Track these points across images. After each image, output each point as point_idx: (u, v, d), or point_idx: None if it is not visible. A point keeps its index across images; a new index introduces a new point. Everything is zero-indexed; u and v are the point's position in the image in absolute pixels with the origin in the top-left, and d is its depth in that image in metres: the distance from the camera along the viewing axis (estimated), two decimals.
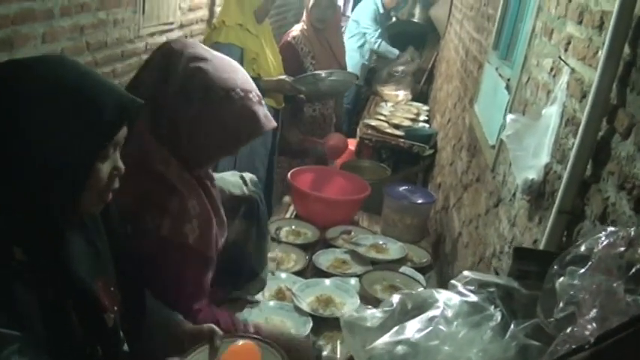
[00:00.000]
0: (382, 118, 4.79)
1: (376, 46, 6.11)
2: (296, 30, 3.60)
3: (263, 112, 1.46)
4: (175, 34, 3.83)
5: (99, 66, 2.89)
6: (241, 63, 2.43)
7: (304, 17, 3.63)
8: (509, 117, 1.66)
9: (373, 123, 4.59)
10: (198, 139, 1.42)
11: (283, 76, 3.23)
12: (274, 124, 1.50)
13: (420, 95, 6.08)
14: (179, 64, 1.41)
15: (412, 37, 6.78)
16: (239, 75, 1.46)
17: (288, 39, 3.57)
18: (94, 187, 0.98)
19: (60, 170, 0.90)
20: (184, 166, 1.45)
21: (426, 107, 5.45)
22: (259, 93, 1.49)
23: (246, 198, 1.75)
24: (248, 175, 1.81)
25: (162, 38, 3.64)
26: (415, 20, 7.04)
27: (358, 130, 4.71)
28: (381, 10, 6.12)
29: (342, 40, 3.92)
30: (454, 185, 3.16)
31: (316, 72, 3.38)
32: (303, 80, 3.30)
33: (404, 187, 2.99)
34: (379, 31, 6.08)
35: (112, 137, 0.98)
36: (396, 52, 6.20)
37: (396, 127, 4.57)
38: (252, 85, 1.47)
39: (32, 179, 0.89)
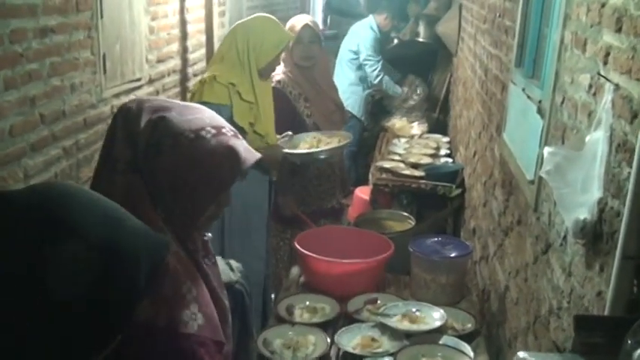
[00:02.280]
0: (397, 157, 4.81)
1: (377, 81, 6.20)
2: (278, 73, 3.64)
3: (242, 145, 1.52)
4: (145, 92, 3.89)
5: (58, 140, 2.91)
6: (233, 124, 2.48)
7: (283, 57, 3.68)
8: (547, 150, 1.65)
9: (387, 165, 4.61)
10: (179, 191, 1.46)
11: (278, 141, 3.29)
12: (257, 155, 1.55)
13: (438, 125, 6.12)
14: (141, 120, 1.48)
15: (418, 60, 6.87)
16: (206, 114, 1.54)
17: (272, 84, 3.61)
18: None
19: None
20: (177, 237, 1.48)
21: (446, 139, 5.48)
22: (233, 128, 1.55)
23: (230, 286, 1.75)
24: (235, 264, 1.81)
25: (130, 98, 3.68)
26: (421, 40, 7.15)
27: (370, 175, 4.72)
28: (378, 35, 6.24)
29: (332, 77, 4.00)
30: (492, 230, 3.13)
31: (312, 150, 3.39)
32: (297, 155, 3.39)
33: (433, 239, 2.97)
34: (381, 62, 6.17)
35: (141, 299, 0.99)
36: (399, 90, 6.30)
37: (415, 166, 4.58)
38: (223, 122, 1.54)
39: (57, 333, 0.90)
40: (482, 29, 4.15)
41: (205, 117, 1.52)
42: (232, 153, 1.48)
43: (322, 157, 3.42)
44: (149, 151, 1.45)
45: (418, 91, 6.40)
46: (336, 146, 3.45)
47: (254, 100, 3.14)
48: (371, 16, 6.35)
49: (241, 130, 3.09)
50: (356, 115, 6.11)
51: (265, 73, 3.22)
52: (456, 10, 6.02)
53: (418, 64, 6.85)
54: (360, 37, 6.22)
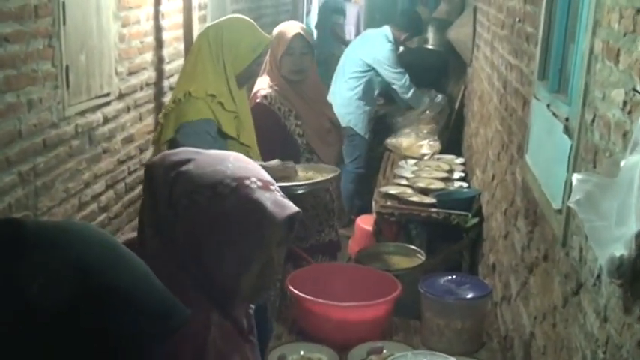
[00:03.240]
0: (404, 182, 4.81)
1: (410, 94, 6.31)
2: (264, 88, 3.64)
3: (271, 198, 1.49)
4: (114, 108, 3.90)
5: (13, 164, 2.90)
6: None
7: (269, 69, 3.68)
8: (575, 177, 1.64)
9: (393, 191, 4.61)
10: (205, 261, 1.47)
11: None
12: (291, 209, 1.52)
13: (450, 144, 6.13)
14: (159, 179, 1.49)
15: (428, 70, 6.91)
16: (228, 163, 1.51)
17: (258, 100, 3.61)
18: None
19: None
20: (222, 310, 1.50)
21: (459, 160, 5.50)
22: (265, 177, 1.53)
23: None
24: None
25: (97, 116, 3.70)
26: (430, 47, 7.19)
27: (374, 203, 4.71)
28: (394, 46, 6.31)
29: (325, 91, 4.04)
30: (514, 266, 3.12)
31: (289, 185, 3.22)
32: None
33: (446, 278, 2.95)
34: (407, 78, 6.27)
35: None
36: (427, 99, 6.38)
37: (425, 192, 4.58)
38: (249, 171, 1.52)
39: None
40: (500, 36, 4.17)
41: (227, 167, 1.49)
42: (257, 210, 1.46)
43: (300, 191, 3.33)
44: (168, 215, 1.46)
45: (437, 100, 6.43)
46: (318, 180, 3.37)
47: (236, 110, 3.17)
48: (387, 27, 6.38)
49: (236, 143, 3.14)
50: (359, 132, 6.15)
51: (242, 80, 3.24)
52: (469, 14, 6.07)
53: (427, 75, 6.87)
54: (376, 49, 6.23)
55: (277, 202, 1.49)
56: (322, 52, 8.32)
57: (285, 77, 3.67)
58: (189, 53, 3.35)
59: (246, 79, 3.29)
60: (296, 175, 3.35)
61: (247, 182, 1.47)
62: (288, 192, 3.33)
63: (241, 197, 1.45)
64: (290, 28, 3.73)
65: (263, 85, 3.67)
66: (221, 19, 3.33)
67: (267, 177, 1.53)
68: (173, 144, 2.97)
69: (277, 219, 1.47)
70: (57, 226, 1.08)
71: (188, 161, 1.49)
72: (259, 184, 1.49)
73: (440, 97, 6.50)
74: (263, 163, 3.22)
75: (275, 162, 3.25)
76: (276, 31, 3.72)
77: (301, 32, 3.68)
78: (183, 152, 1.55)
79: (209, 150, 1.58)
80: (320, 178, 3.38)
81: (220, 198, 1.44)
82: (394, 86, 6.32)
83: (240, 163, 1.52)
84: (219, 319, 1.47)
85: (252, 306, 1.61)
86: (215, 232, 1.44)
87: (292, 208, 1.52)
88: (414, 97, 6.37)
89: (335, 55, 8.03)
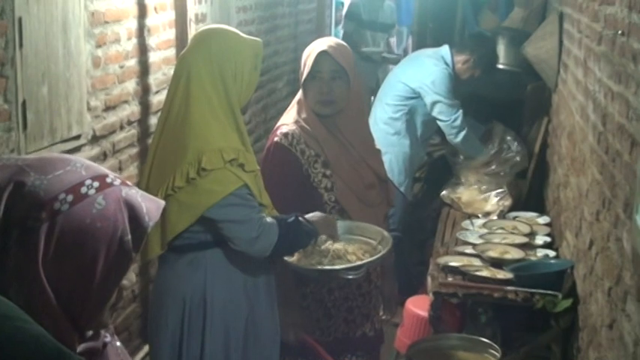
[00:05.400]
0: (469, 250, 4.78)
1: (459, 139, 6.19)
2: (286, 123, 3.68)
3: (139, 193, 1.60)
4: (86, 155, 3.92)
5: None
6: None
7: (297, 99, 3.72)
8: None
9: (455, 262, 4.59)
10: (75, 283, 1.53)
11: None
12: (160, 204, 1.63)
13: (530, 196, 6.09)
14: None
15: (498, 98, 6.89)
16: (76, 161, 1.60)
17: (277, 138, 3.63)
18: None
19: None
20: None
21: (543, 219, 5.46)
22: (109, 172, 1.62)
23: None
24: None
25: None
26: (501, 66, 7.18)
27: (429, 279, 4.67)
28: (452, 73, 6.27)
29: (369, 128, 4.01)
30: None
31: (330, 268, 3.31)
32: (305, 270, 3.39)
33: None
34: (460, 115, 6.16)
35: None
36: (484, 152, 6.23)
37: (498, 264, 4.55)
38: (100, 169, 1.61)
39: None
40: (597, 53, 4.15)
41: (77, 166, 1.58)
42: (133, 208, 1.56)
43: (349, 276, 3.37)
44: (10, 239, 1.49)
45: (513, 149, 6.31)
46: (368, 260, 3.38)
47: (256, 167, 3.21)
48: (446, 48, 6.38)
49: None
50: (395, 182, 6.06)
51: (245, 112, 3.32)
52: (553, 23, 6.06)
53: (498, 105, 6.86)
54: (428, 71, 6.16)
55: (146, 196, 1.62)
56: None
57: (314, 110, 3.68)
58: (168, 100, 3.24)
59: (246, 109, 3.35)
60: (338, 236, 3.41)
61: (108, 180, 1.57)
62: (331, 276, 3.37)
63: (109, 198, 1.54)
64: (317, 44, 3.75)
65: (288, 119, 3.70)
66: (194, 39, 3.33)
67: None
68: None
69: (155, 215, 1.59)
70: None
71: (22, 170, 1.53)
72: (119, 180, 1.59)
73: (514, 145, 6.30)
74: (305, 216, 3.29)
75: (316, 214, 3.31)
76: (305, 50, 3.76)
77: (327, 50, 3.66)
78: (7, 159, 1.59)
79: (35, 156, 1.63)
80: (370, 250, 3.40)
81: (87, 200, 1.52)
82: (440, 122, 6.21)
83: (86, 162, 1.61)
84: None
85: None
86: (81, 246, 1.51)
87: (159, 202, 1.63)
88: (465, 142, 6.22)
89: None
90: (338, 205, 3.68)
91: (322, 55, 3.65)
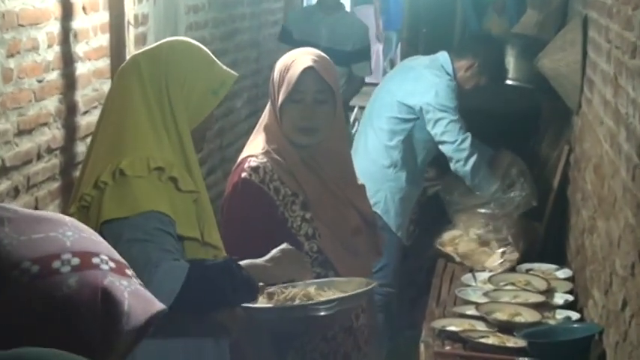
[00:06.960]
0: (472, 311, 4.79)
1: (469, 166, 6.13)
2: (254, 155, 3.69)
3: (129, 288, 1.55)
4: None
5: None
6: None
7: (267, 123, 3.72)
8: None
9: (455, 327, 4.62)
10: None
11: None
12: (160, 306, 1.59)
13: (546, 245, 6.10)
14: None
15: (504, 119, 6.93)
16: (67, 229, 1.58)
17: (244, 174, 3.63)
18: None
19: None
20: None
21: (563, 272, 5.50)
22: (118, 258, 1.60)
23: None
24: None
25: None
26: (510, 82, 7.20)
27: (421, 346, 4.66)
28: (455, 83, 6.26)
29: (350, 158, 4.04)
30: None
31: (306, 304, 3.30)
32: (266, 311, 3.33)
33: None
34: (469, 137, 6.11)
35: None
36: (493, 186, 6.18)
37: (506, 328, 4.57)
38: (97, 245, 1.59)
39: None
40: (630, 67, 4.16)
41: (66, 235, 1.55)
42: (108, 302, 1.51)
43: (324, 313, 3.32)
44: None
45: (519, 185, 6.27)
46: (355, 293, 3.38)
47: (195, 188, 3.19)
48: (445, 55, 6.36)
49: (197, 244, 3.17)
50: (392, 226, 6.05)
51: (198, 140, 3.30)
52: (576, 29, 6.08)
53: (507, 128, 6.89)
54: (429, 84, 6.14)
55: (138, 293, 1.56)
56: None
57: (289, 139, 3.68)
58: (107, 100, 3.33)
59: (202, 137, 3.36)
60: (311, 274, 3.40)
61: (95, 260, 1.54)
62: (303, 313, 3.35)
63: (85, 282, 1.50)
64: (299, 57, 3.73)
65: (255, 149, 3.68)
66: (156, 43, 3.39)
67: (120, 258, 1.60)
68: None
69: (134, 320, 1.52)
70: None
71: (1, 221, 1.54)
72: (112, 265, 1.56)
73: (521, 181, 6.25)
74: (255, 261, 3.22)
75: (282, 248, 3.27)
76: (280, 63, 3.74)
77: (314, 65, 3.65)
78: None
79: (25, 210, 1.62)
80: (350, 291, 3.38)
81: (55, 278, 1.49)
82: (444, 146, 6.16)
83: (83, 233, 1.59)
84: None
85: None
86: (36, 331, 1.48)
87: (158, 303, 1.60)
88: (475, 172, 6.15)
89: None
90: (322, 255, 3.70)
91: (307, 72, 3.63)
